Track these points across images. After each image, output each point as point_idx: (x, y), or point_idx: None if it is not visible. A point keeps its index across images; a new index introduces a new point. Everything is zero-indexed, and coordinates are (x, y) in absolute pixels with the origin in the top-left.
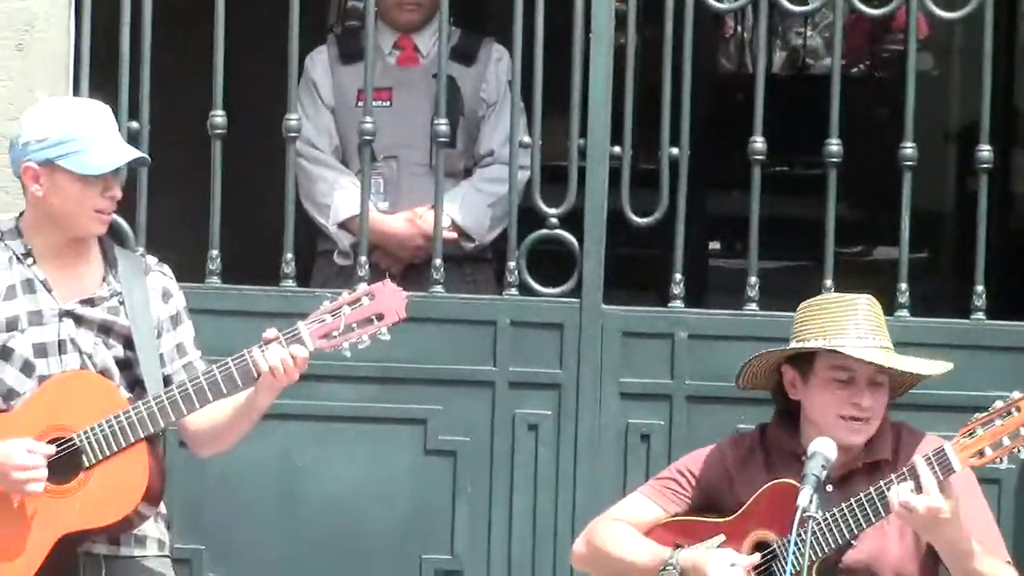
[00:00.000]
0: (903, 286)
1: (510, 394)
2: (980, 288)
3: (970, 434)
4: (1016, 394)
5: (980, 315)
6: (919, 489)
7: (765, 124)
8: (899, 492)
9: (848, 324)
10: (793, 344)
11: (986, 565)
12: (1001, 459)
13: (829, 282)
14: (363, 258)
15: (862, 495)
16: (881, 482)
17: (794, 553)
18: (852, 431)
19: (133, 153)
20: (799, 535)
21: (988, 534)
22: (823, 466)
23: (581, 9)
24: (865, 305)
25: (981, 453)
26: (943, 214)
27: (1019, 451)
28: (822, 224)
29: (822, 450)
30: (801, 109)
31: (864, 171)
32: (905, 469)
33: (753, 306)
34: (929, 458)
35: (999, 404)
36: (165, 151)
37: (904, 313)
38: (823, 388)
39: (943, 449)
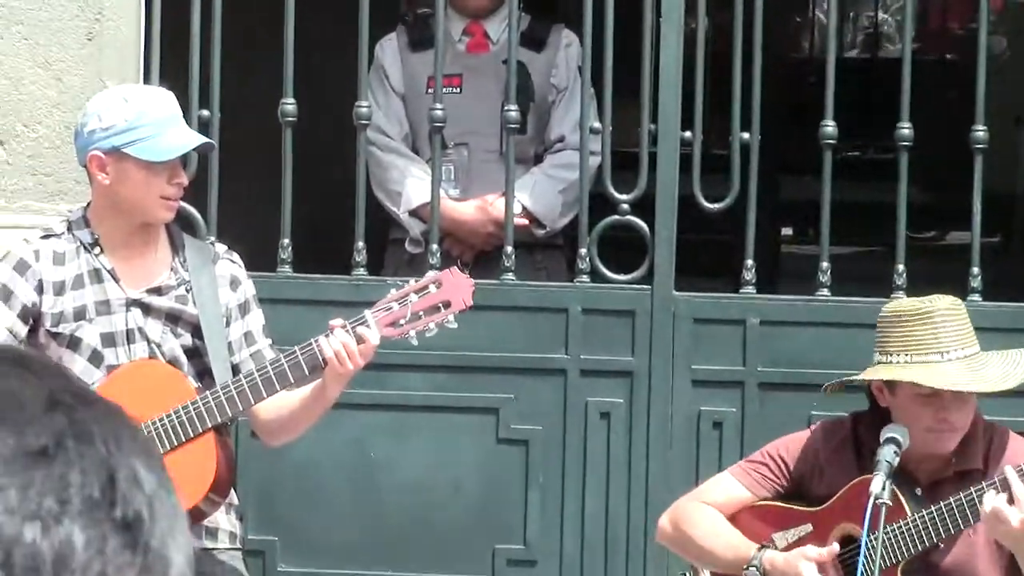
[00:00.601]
0: (975, 270)
1: (582, 382)
2: None
3: None
4: None
5: None
6: (1011, 500)
7: (837, 108)
8: (990, 500)
9: (927, 339)
10: (876, 356)
11: None
12: None
13: (901, 267)
14: (434, 246)
15: (952, 500)
16: (972, 488)
17: (867, 544)
18: (940, 441)
19: (199, 139)
20: (880, 528)
21: None
22: (896, 452)
23: None
24: (944, 313)
25: None
26: (1015, 197)
27: None
28: (894, 209)
29: (896, 435)
30: (874, 93)
31: (937, 155)
32: (997, 479)
33: (825, 291)
34: (1021, 468)
35: None
36: (236, 139)
37: (977, 298)
38: (909, 402)
39: None
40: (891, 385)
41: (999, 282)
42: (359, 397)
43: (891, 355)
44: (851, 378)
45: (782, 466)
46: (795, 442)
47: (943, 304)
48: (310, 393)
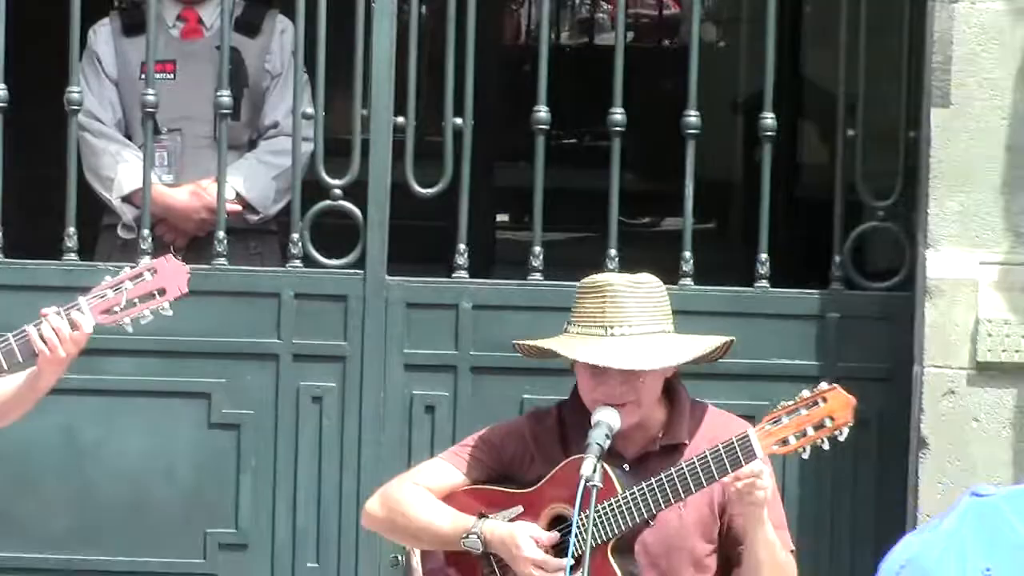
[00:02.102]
0: (687, 254)
1: (294, 367)
2: (764, 256)
3: (775, 421)
4: (823, 385)
5: (764, 283)
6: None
7: (554, 96)
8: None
9: (595, 313)
10: (564, 325)
11: (780, 556)
12: (804, 448)
13: (613, 251)
14: (146, 231)
15: (663, 476)
16: (683, 463)
17: (578, 525)
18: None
19: None
20: (589, 510)
21: (779, 522)
22: (607, 435)
23: None
24: (620, 289)
25: (784, 441)
26: (733, 184)
27: (823, 442)
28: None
29: (606, 419)
30: (591, 81)
31: (655, 143)
32: (735, 439)
33: (537, 276)
34: (731, 443)
35: (806, 393)
36: None
37: (688, 282)
38: (580, 371)
39: (747, 435)
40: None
41: (715, 268)
42: (70, 382)
43: (571, 325)
44: (527, 343)
45: (493, 450)
46: (504, 428)
47: (622, 280)
48: (24, 380)
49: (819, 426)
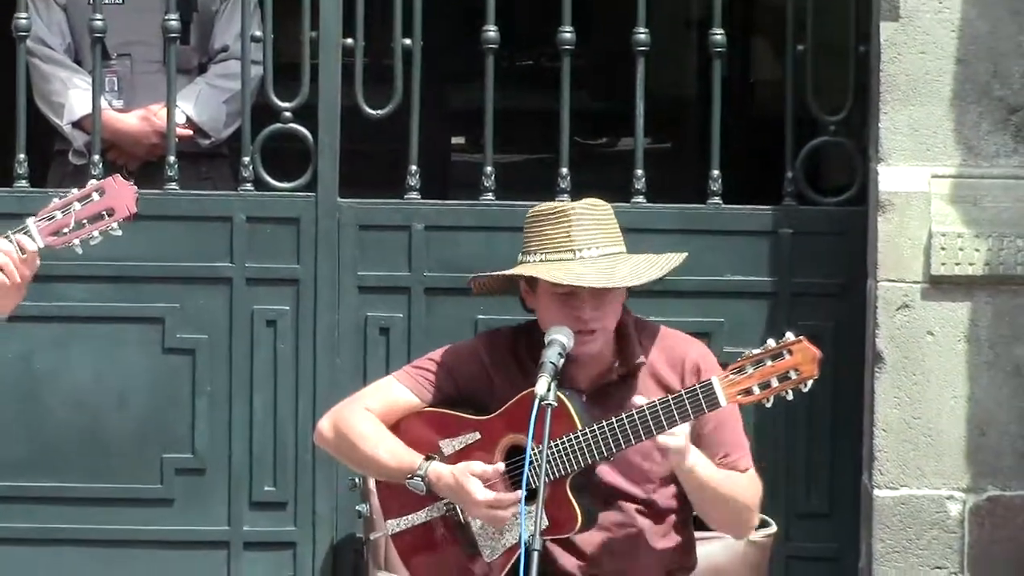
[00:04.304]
0: (639, 172)
1: (248, 291)
2: (716, 172)
3: (739, 371)
4: (790, 336)
5: (717, 200)
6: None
7: (506, 15)
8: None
9: (560, 238)
10: (519, 257)
11: (731, 485)
12: (767, 399)
13: (565, 170)
14: (96, 157)
15: (623, 416)
16: (644, 406)
17: (532, 452)
18: (583, 344)
19: None
20: (546, 432)
21: (737, 443)
22: (560, 354)
23: None
24: (580, 213)
25: (748, 391)
26: (688, 102)
27: (787, 393)
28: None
29: (560, 338)
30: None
31: (611, 62)
32: (698, 386)
33: (490, 196)
34: (695, 390)
35: (771, 344)
36: None
37: (641, 200)
38: (547, 300)
39: (711, 383)
40: (532, 285)
41: (670, 187)
42: (21, 309)
43: (530, 254)
44: (488, 274)
45: (449, 372)
46: (460, 349)
47: (579, 205)
48: None
49: (784, 378)
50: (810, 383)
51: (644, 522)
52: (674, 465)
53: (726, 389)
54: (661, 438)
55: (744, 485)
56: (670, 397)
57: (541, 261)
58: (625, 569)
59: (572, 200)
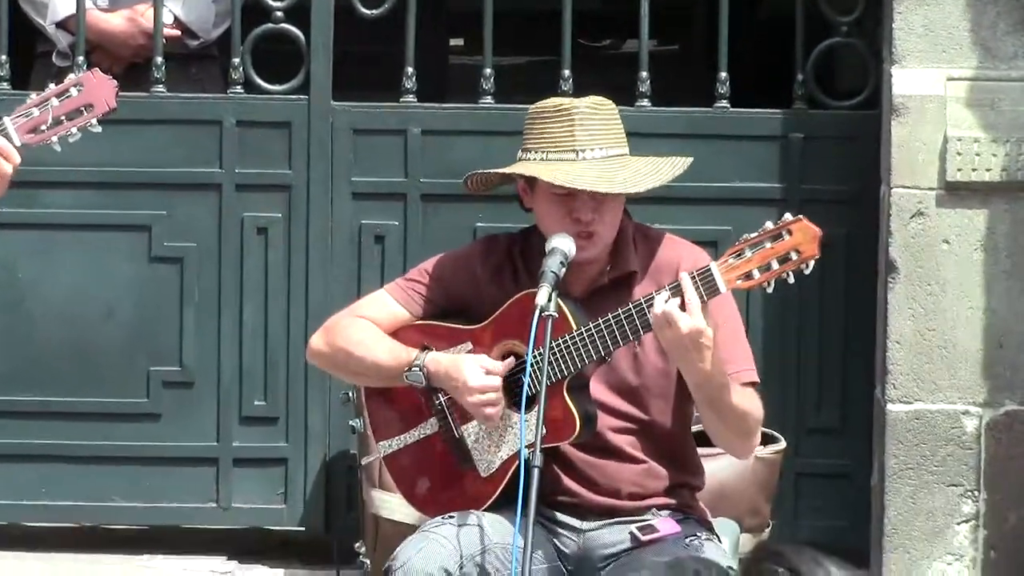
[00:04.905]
0: (644, 75)
1: (238, 197)
2: (723, 75)
3: (738, 255)
4: (788, 216)
5: (724, 103)
6: (683, 306)
7: None
8: (661, 304)
9: (563, 137)
10: (519, 154)
11: (735, 397)
12: (768, 283)
13: (567, 71)
14: (80, 58)
15: (620, 312)
16: (642, 299)
17: (534, 357)
18: (578, 248)
19: None
20: (546, 342)
21: (739, 354)
22: (562, 263)
23: None
24: (584, 112)
25: (748, 275)
26: (694, 3)
27: (788, 276)
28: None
29: (561, 246)
30: None
31: None
32: (668, 286)
33: (488, 99)
34: (693, 276)
35: (769, 225)
36: None
37: (645, 103)
38: (545, 200)
39: (709, 269)
40: (531, 184)
41: (678, 90)
42: (4, 216)
43: (529, 152)
44: (486, 172)
45: (439, 282)
46: (452, 258)
47: (584, 103)
48: None
49: (784, 259)
50: (812, 264)
51: (638, 440)
52: (676, 347)
53: (725, 274)
54: (668, 309)
55: (751, 395)
56: (668, 286)
57: (541, 160)
58: (620, 488)
59: None
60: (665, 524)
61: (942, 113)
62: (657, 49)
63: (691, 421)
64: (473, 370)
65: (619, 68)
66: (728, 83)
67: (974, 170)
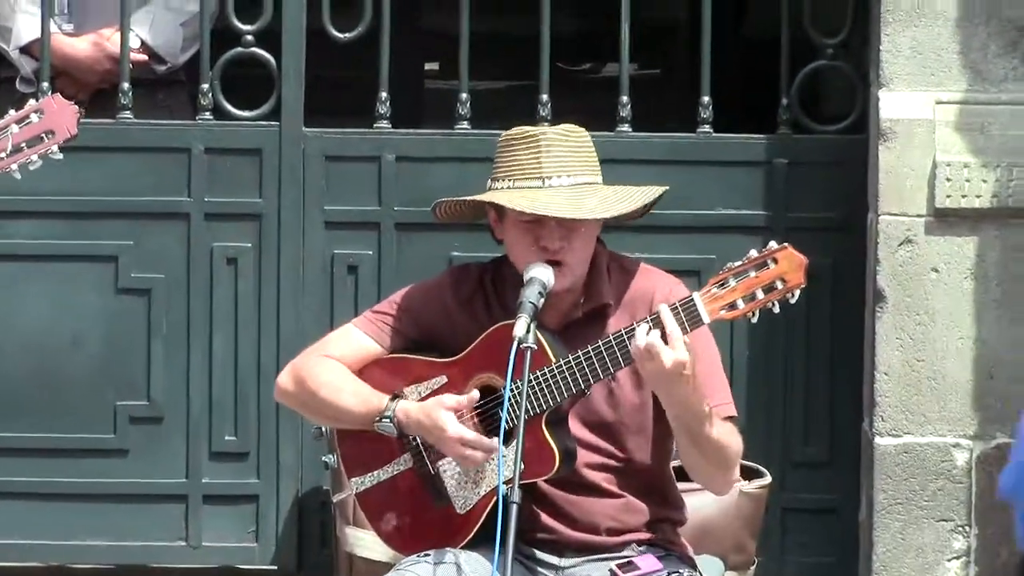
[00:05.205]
0: (624, 99)
1: (207, 226)
2: (706, 99)
3: (721, 284)
4: (773, 244)
5: (707, 128)
6: (664, 339)
7: None
8: (643, 336)
9: (529, 164)
10: (488, 184)
11: (715, 430)
12: (753, 313)
13: (545, 96)
14: (45, 84)
15: (600, 344)
16: (622, 330)
17: (512, 390)
18: (557, 274)
19: None
20: (523, 376)
21: (717, 387)
22: (540, 293)
23: None
24: (552, 139)
25: (732, 305)
26: (678, 26)
27: (773, 305)
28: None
29: (540, 276)
30: None
31: None
32: (650, 318)
33: (465, 124)
34: (676, 307)
35: (754, 254)
36: None
37: (626, 128)
38: (513, 228)
39: (692, 299)
40: (500, 214)
41: (658, 115)
42: None
43: (498, 180)
44: (451, 199)
45: (409, 314)
46: (422, 289)
47: (553, 130)
48: None
49: (769, 288)
50: (797, 293)
51: (615, 476)
52: (658, 378)
53: (708, 304)
54: (650, 341)
55: (731, 429)
56: (648, 318)
57: (508, 188)
58: (598, 524)
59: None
60: (646, 561)
61: (931, 137)
62: (638, 73)
63: (670, 456)
64: (449, 418)
65: (599, 92)
66: (711, 107)
67: (964, 196)
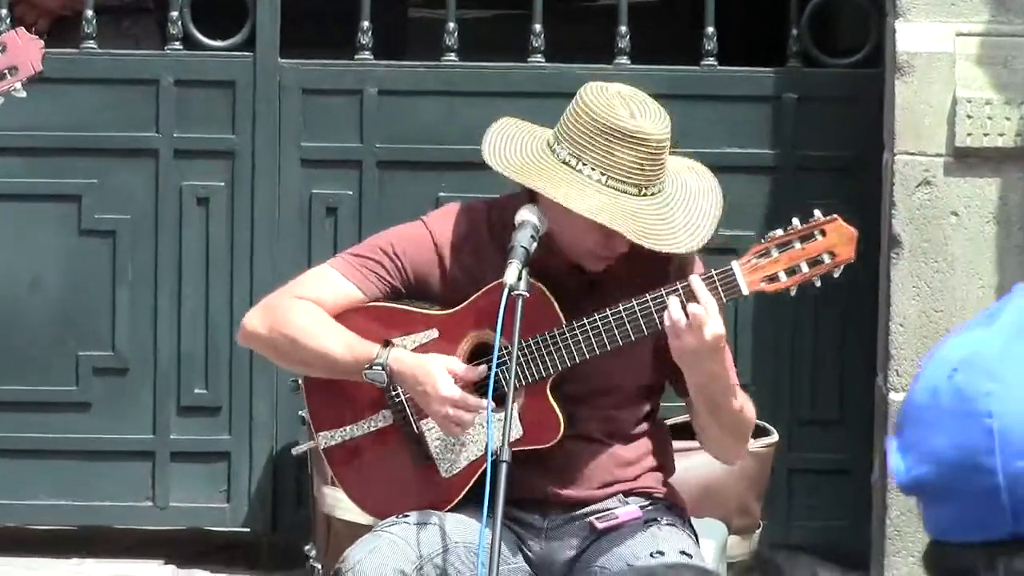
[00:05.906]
0: (622, 29)
1: (176, 164)
2: (711, 30)
3: (763, 254)
4: (818, 214)
5: (711, 60)
6: (687, 313)
7: None
8: (678, 308)
9: (632, 168)
10: (560, 149)
11: (738, 399)
12: (793, 287)
13: (539, 27)
14: (3, 11)
15: (622, 308)
16: (648, 297)
17: (505, 348)
18: (597, 264)
19: None
20: (516, 322)
21: (728, 355)
22: (532, 237)
23: None
24: (660, 145)
25: (774, 278)
26: None
27: (816, 281)
28: None
29: (531, 219)
30: None
31: None
32: (681, 287)
33: (452, 56)
34: (712, 277)
35: (799, 224)
36: None
37: (624, 60)
38: (582, 226)
39: (731, 269)
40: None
41: (658, 46)
42: None
43: (583, 164)
44: (524, 180)
45: (396, 260)
46: (409, 230)
47: (659, 132)
48: None
49: (815, 262)
50: (841, 269)
51: (603, 427)
52: (690, 352)
53: (748, 275)
54: (693, 310)
55: (746, 399)
56: (679, 285)
57: (601, 184)
58: (583, 477)
59: (547, 61)
60: (626, 512)
61: (951, 72)
62: (637, 1)
63: (658, 407)
64: (443, 377)
65: (596, 22)
66: (715, 39)
67: (986, 135)
